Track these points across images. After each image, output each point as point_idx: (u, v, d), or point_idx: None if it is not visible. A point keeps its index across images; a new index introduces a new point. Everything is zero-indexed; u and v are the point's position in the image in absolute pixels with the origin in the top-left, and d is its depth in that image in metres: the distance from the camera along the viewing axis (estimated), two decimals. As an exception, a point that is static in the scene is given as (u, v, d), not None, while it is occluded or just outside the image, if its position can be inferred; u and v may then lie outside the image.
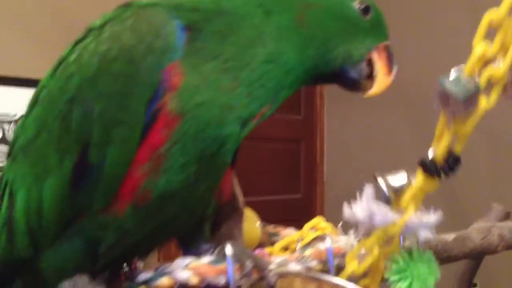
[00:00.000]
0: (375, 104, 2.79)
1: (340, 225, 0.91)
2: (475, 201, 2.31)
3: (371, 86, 0.68)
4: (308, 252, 0.73)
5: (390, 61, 0.68)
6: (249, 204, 2.98)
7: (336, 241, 0.77)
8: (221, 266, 0.64)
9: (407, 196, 0.66)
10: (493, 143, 2.36)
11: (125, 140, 0.57)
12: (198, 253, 0.68)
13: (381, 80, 0.67)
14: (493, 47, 0.61)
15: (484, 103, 0.62)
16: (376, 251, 0.67)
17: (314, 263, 0.72)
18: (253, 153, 2.77)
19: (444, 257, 0.87)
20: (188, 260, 0.65)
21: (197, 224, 0.70)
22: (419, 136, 2.82)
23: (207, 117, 0.59)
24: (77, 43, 0.62)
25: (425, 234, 0.65)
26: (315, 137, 3.04)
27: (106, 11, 0.64)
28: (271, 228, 0.87)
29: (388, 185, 0.67)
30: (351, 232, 0.85)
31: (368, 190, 0.66)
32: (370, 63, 0.68)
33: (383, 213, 0.65)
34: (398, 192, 0.66)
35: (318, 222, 0.84)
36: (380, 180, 0.67)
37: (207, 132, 0.59)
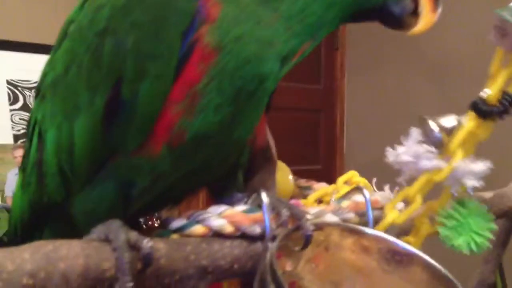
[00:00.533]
0: (396, 73, 2.73)
1: (374, 181, 0.88)
2: None
3: (415, 23, 0.63)
4: (345, 203, 0.70)
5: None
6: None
7: (372, 194, 0.74)
8: (257, 214, 0.61)
9: (456, 139, 0.62)
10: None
11: (159, 74, 0.54)
12: (231, 202, 0.66)
13: (427, 17, 0.63)
14: None
15: None
16: (419, 200, 0.63)
17: (351, 215, 0.69)
18: (273, 123, 2.73)
19: (482, 215, 0.83)
20: (222, 208, 0.62)
21: (230, 171, 0.68)
22: (443, 103, 2.76)
23: (246, 52, 0.55)
24: None
25: (472, 183, 0.61)
26: (335, 107, 2.99)
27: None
28: (303, 182, 0.84)
29: (439, 126, 0.63)
30: (386, 188, 0.82)
31: (414, 132, 0.62)
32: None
33: (429, 157, 0.61)
34: (449, 134, 0.62)
35: (353, 176, 0.80)
36: (431, 122, 0.63)
37: (245, 69, 0.56)
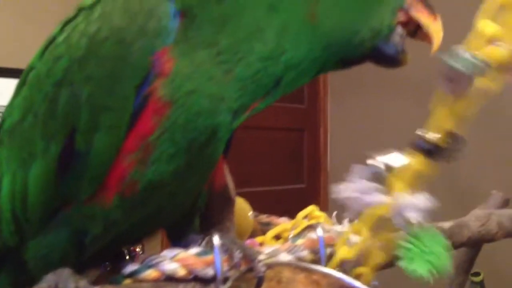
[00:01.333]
0: (378, 92, 2.77)
1: (334, 214, 0.89)
2: (474, 189, 2.29)
3: (405, 60, 0.63)
4: (300, 241, 0.72)
5: (429, 6, 0.63)
6: (253, 194, 2.95)
7: (329, 230, 0.76)
8: (209, 257, 0.63)
9: (401, 177, 0.64)
10: (493, 128, 2.34)
11: (113, 126, 0.56)
12: (187, 245, 0.67)
13: (436, 30, 0.62)
14: (499, 27, 0.58)
15: (488, 84, 0.58)
16: (366, 233, 0.65)
17: (305, 253, 0.71)
18: (257, 143, 2.76)
19: (441, 245, 0.85)
20: (175, 251, 0.64)
21: (187, 215, 0.69)
22: (424, 121, 2.79)
23: (197, 106, 0.57)
24: (66, 23, 0.60)
25: (414, 216, 0.63)
26: (318, 126, 3.02)
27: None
28: (264, 218, 0.86)
29: (384, 165, 0.65)
30: (345, 221, 0.84)
31: (358, 169, 0.64)
32: (406, 24, 0.63)
33: (372, 193, 0.63)
34: (393, 172, 0.64)
35: (312, 211, 0.82)
36: (374, 160, 0.65)
37: (197, 121, 0.57)
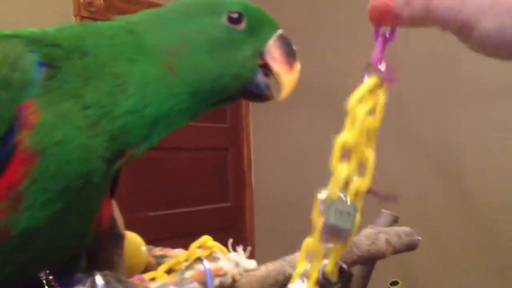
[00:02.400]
0: (299, 109, 2.84)
1: (230, 242, 0.92)
2: (365, 208, 2.37)
3: (272, 95, 0.64)
4: (188, 273, 0.73)
5: (287, 53, 0.64)
6: (179, 215, 2.93)
7: (220, 259, 0.78)
8: (92, 297, 0.64)
9: None
10: (392, 144, 2.46)
11: None
12: (73, 284, 0.68)
13: (286, 79, 0.64)
14: (350, 167, 0.59)
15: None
16: None
17: (194, 285, 0.73)
18: (181, 163, 2.76)
19: (333, 265, 0.89)
20: (57, 294, 0.64)
21: (73, 254, 0.69)
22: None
23: (67, 155, 0.57)
24: None
25: None
26: (241, 145, 3.06)
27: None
28: (158, 251, 0.87)
29: None
30: (240, 249, 0.86)
31: None
32: (266, 65, 0.64)
33: None
34: None
35: (206, 241, 0.84)
36: None
37: (68, 170, 0.57)
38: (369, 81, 0.60)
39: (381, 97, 0.61)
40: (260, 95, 0.65)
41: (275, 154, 2.98)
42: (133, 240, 0.80)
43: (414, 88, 2.45)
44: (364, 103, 0.60)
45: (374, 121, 0.60)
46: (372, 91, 0.60)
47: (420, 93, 2.46)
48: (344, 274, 0.64)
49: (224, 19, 0.63)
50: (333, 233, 0.59)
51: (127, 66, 0.59)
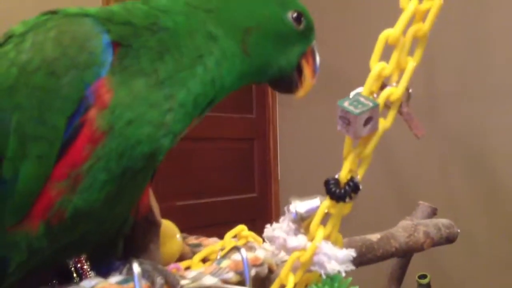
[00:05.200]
0: (325, 99, 2.81)
1: (264, 233, 0.90)
2: (402, 200, 2.35)
3: (297, 92, 0.71)
4: (225, 263, 0.72)
5: (314, 63, 0.71)
6: (205, 205, 2.94)
7: (256, 249, 0.77)
8: (130, 285, 0.63)
9: (315, 221, 0.64)
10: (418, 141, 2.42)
11: (42, 155, 0.55)
12: (109, 271, 0.67)
13: (307, 85, 0.71)
14: (389, 66, 0.61)
15: (382, 123, 0.62)
16: (291, 279, 0.65)
17: (231, 275, 0.71)
18: (207, 154, 2.75)
19: (369, 257, 0.88)
20: (95, 281, 0.63)
21: (111, 240, 0.69)
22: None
23: (137, 135, 0.57)
24: None
25: (334, 268, 0.63)
26: (268, 135, 3.04)
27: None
28: (193, 239, 0.86)
29: (297, 211, 0.65)
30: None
31: (287, 209, 0.65)
32: (298, 67, 0.70)
33: (296, 238, 0.63)
34: (306, 217, 0.65)
35: (241, 231, 0.83)
36: (292, 204, 0.66)
37: (136, 149, 0.58)
38: None
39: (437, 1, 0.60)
40: (289, 89, 0.72)
41: (301, 145, 2.96)
42: (168, 228, 0.80)
43: (447, 79, 2.40)
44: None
45: (422, 26, 0.60)
46: None
47: (452, 86, 2.41)
48: (351, 183, 0.62)
49: (289, 15, 0.68)
50: (343, 117, 0.59)
51: (207, 40, 0.62)
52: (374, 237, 0.90)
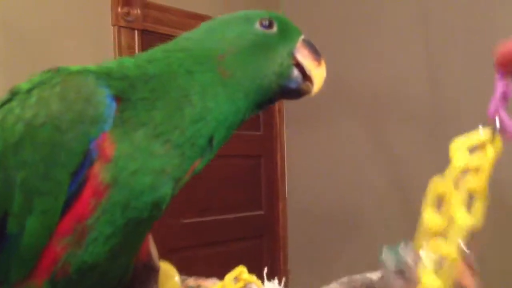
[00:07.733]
0: (332, 117, 2.82)
1: (266, 270, 0.91)
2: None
3: (309, 89, 0.69)
4: (224, 308, 0.73)
5: (314, 52, 0.69)
6: (212, 222, 2.92)
7: (257, 291, 0.77)
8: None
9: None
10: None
11: (46, 210, 0.56)
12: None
13: (317, 74, 0.69)
14: (441, 218, 0.55)
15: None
16: None
17: (229, 319, 0.72)
18: (214, 171, 2.76)
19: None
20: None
21: None
22: (378, 145, 2.86)
23: (140, 185, 0.58)
24: (1, 105, 0.61)
25: None
26: (275, 152, 3.05)
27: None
28: (191, 281, 0.87)
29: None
30: (275, 280, 0.85)
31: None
32: (298, 65, 0.69)
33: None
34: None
35: (241, 272, 0.83)
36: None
37: (140, 200, 0.59)
38: (479, 132, 0.54)
39: (490, 154, 0.53)
40: (297, 89, 0.69)
41: (309, 163, 2.96)
42: (167, 271, 0.80)
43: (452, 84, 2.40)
44: (465, 152, 0.53)
45: (476, 181, 0.53)
46: (481, 144, 0.53)
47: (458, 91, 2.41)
48: None
49: (257, 25, 0.68)
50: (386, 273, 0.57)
51: (188, 78, 0.63)
52: (375, 275, 0.90)
